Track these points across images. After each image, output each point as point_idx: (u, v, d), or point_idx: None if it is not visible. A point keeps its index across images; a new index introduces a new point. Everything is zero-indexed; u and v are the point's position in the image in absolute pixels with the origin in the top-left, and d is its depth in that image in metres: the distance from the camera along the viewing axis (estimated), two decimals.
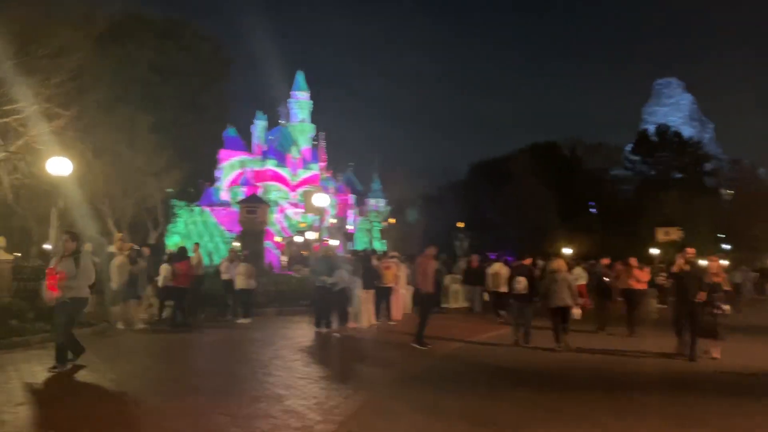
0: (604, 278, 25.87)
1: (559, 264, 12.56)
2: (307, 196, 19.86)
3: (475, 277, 19.84)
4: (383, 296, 16.31)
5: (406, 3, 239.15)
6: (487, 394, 8.24)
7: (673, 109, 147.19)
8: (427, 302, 12.39)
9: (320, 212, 18.59)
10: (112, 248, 15.18)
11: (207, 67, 26.83)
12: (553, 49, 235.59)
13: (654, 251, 46.40)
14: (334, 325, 14.34)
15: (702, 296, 10.75)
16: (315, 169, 66.49)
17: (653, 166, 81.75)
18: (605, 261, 16.66)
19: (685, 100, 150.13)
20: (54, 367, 8.72)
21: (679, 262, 11.02)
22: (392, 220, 57.30)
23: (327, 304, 14.36)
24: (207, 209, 63.56)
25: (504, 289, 17.29)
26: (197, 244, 17.22)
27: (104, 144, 17.71)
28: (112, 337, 12.77)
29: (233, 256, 16.86)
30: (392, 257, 18.29)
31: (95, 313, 13.36)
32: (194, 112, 26.06)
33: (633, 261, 15.90)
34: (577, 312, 12.28)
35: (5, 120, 12.95)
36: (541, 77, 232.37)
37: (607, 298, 15.70)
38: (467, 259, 21.42)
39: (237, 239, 44.07)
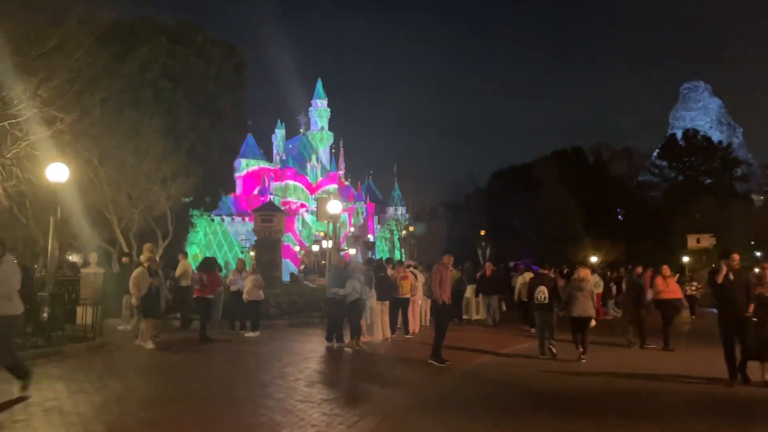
0: (621, 285, 24.76)
1: (584, 273, 12.31)
2: (320, 203, 19.02)
3: (489, 287, 18.63)
4: (399, 308, 15.37)
5: (427, 9, 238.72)
6: (514, 420, 7.25)
7: (701, 114, 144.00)
8: (443, 314, 11.44)
9: (334, 219, 17.67)
10: (124, 259, 14.53)
11: (221, 73, 26.19)
12: (576, 53, 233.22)
13: (685, 259, 44.76)
14: (346, 339, 13.43)
15: (751, 309, 9.62)
16: (334, 177, 66.13)
17: (681, 172, 79.65)
18: (639, 269, 15.47)
19: (713, 104, 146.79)
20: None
21: (724, 271, 9.90)
22: (412, 228, 56.26)
23: (339, 317, 13.47)
24: (226, 219, 63.45)
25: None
26: (184, 253, 16.53)
27: (109, 149, 17.09)
28: (107, 354, 11.99)
29: (241, 267, 16.06)
30: (409, 266, 17.36)
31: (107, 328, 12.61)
32: (209, 119, 25.41)
33: (666, 269, 14.76)
34: (593, 323, 12.07)
35: (1, 124, 12.31)
36: (564, 83, 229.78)
37: (644, 309, 14.53)
38: (482, 268, 20.04)
39: (252, 248, 43.54)
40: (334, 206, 18.09)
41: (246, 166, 65.65)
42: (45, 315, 12.39)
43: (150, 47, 24.28)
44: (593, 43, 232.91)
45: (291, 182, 62.06)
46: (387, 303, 14.51)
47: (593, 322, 12.08)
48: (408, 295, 15.31)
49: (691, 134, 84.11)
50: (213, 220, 61.67)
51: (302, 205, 63.39)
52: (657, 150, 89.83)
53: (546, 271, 13.23)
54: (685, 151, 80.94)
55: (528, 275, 17.91)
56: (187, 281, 16.02)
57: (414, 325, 16.14)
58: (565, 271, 25.12)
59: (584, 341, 11.86)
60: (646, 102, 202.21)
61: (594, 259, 45.05)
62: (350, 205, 66.28)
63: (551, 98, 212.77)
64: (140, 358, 11.68)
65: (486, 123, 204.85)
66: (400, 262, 17.16)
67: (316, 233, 62.20)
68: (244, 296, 14.96)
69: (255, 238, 29.24)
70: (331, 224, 19.64)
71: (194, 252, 59.75)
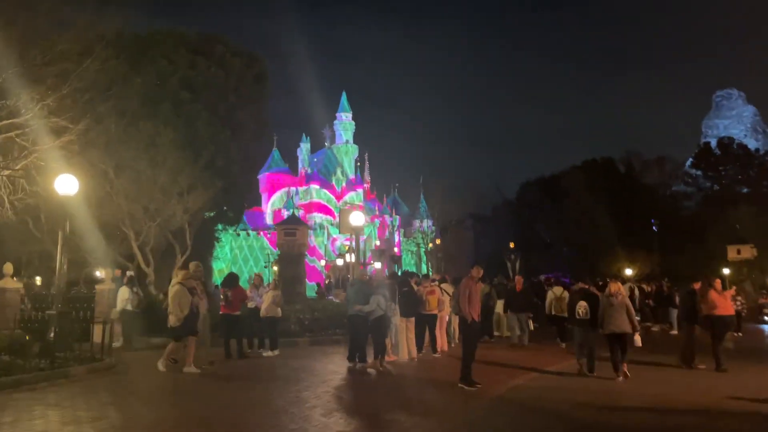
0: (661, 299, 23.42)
1: (615, 287, 11.70)
2: (343, 215, 18.29)
3: (518, 303, 16.99)
4: (426, 325, 14.45)
5: (452, 20, 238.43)
6: None
7: (735, 121, 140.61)
8: (472, 333, 10.51)
9: (357, 231, 16.88)
10: (117, 272, 13.86)
11: (241, 83, 25.75)
12: (604, 61, 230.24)
13: (726, 271, 42.89)
14: (370, 359, 12.54)
15: None
16: (359, 191, 65.53)
17: (717, 181, 77.36)
18: (697, 285, 14.13)
19: (748, 111, 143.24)
20: None
21: None
22: (438, 241, 55.25)
23: (362, 335, 12.61)
24: (252, 233, 63.21)
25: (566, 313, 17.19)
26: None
27: (125, 161, 16.60)
28: (114, 376, 11.30)
29: (258, 282, 15.30)
30: (434, 280, 16.47)
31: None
32: (229, 130, 24.93)
33: (717, 283, 13.55)
34: (638, 339, 11.58)
35: (6, 135, 11.82)
36: (592, 92, 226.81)
37: (697, 325, 13.34)
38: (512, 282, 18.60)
39: (275, 263, 43.01)
40: (357, 218, 17.28)
41: (271, 180, 65.47)
42: (51, 335, 11.82)
43: (170, 58, 23.94)
44: (621, 51, 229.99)
45: (314, 187, 61.56)
46: (412, 320, 13.59)
47: (638, 340, 11.58)
48: (435, 311, 14.39)
49: (726, 142, 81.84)
50: (238, 234, 61.52)
51: (328, 211, 62.67)
52: (690, 159, 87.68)
53: (586, 286, 12.60)
54: (720, 159, 78.72)
55: (558, 289, 17.60)
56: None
57: (442, 343, 15.23)
58: (599, 284, 24.02)
59: (622, 359, 11.26)
60: (677, 110, 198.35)
61: (629, 271, 43.52)
62: (377, 220, 65.56)
63: (579, 108, 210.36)
64: (148, 382, 10.98)
65: (513, 134, 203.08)
66: (426, 276, 16.24)
67: (346, 240, 61.59)
68: (262, 313, 14.20)
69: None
70: (354, 236, 18.82)
71: (220, 267, 59.56)
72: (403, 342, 13.41)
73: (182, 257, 18.86)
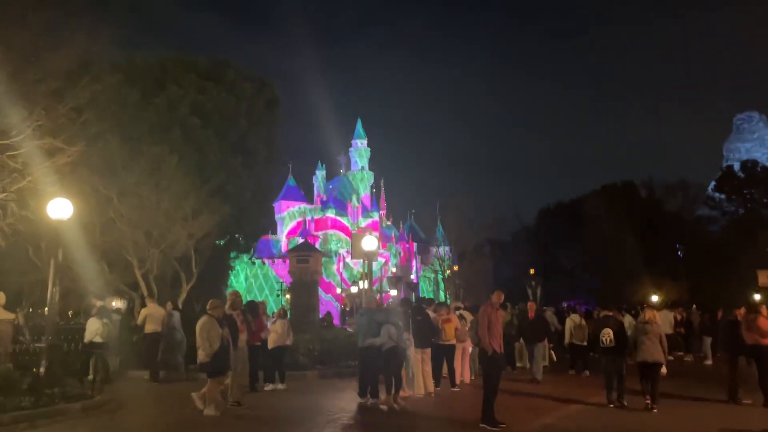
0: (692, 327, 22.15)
1: (650, 314, 11.41)
2: (355, 239, 17.44)
3: (533, 332, 15.18)
4: (444, 356, 13.45)
5: (467, 46, 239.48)
6: None
7: (757, 145, 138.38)
8: (493, 367, 9.51)
9: (369, 257, 16.02)
10: (96, 302, 13.01)
11: (252, 109, 25.28)
12: (620, 86, 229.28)
13: (757, 297, 41.19)
14: (382, 395, 11.54)
15: None
16: (375, 217, 64.78)
17: (742, 205, 75.64)
18: (741, 311, 13.05)
19: None
20: None
21: None
22: (456, 268, 54.07)
23: (373, 369, 11.64)
24: (267, 262, 62.55)
25: (585, 342, 16.55)
26: (152, 294, 15.01)
27: (128, 186, 16.00)
28: (103, 415, 10.40)
29: (263, 311, 14.43)
30: (457, 308, 15.51)
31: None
32: (240, 156, 24.38)
33: (765, 311, 12.39)
34: (663, 369, 11.13)
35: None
36: (610, 116, 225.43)
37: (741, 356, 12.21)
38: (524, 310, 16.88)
39: (288, 291, 42.15)
40: (370, 243, 16.41)
41: (287, 208, 65.05)
42: (42, 369, 11.03)
43: (179, 84, 23.57)
44: (638, 75, 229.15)
45: (330, 232, 60.99)
46: (428, 351, 12.58)
47: (664, 370, 11.11)
48: (452, 341, 13.40)
49: (750, 165, 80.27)
50: (253, 262, 60.89)
51: (340, 260, 62.08)
52: (713, 183, 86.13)
53: (611, 313, 12.37)
54: (744, 183, 77.13)
55: (576, 317, 17.43)
56: (154, 326, 14.38)
57: (464, 374, 14.21)
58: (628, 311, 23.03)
59: (654, 390, 10.83)
60: (697, 134, 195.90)
61: (655, 298, 42.02)
62: (393, 246, 64.68)
63: (596, 132, 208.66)
64: (137, 421, 10.09)
65: (530, 159, 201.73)
66: (442, 303, 15.25)
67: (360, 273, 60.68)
68: (271, 344, 13.29)
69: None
70: (367, 262, 17.90)
71: None
72: (418, 375, 12.40)
73: (188, 285, 18.10)
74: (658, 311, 13.00)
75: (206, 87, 24.01)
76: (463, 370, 14.47)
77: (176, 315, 15.43)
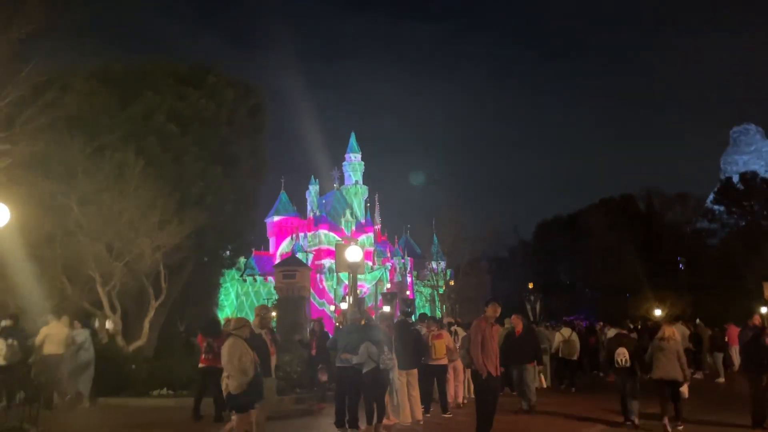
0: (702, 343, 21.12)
1: (669, 331, 10.98)
2: (339, 250, 16.01)
3: (519, 352, 12.46)
4: (434, 377, 12.06)
5: (466, 62, 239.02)
6: None
7: (754, 157, 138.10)
8: (487, 391, 8.15)
9: (353, 269, 14.68)
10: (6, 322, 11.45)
11: (234, 115, 23.90)
12: (617, 100, 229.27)
13: (763, 309, 39.86)
14: (363, 425, 10.13)
15: None
16: (369, 234, 63.42)
17: (742, 217, 74.73)
18: (757, 319, 11.89)
19: (767, 147, 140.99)
20: None
21: None
22: (452, 283, 52.73)
23: (352, 394, 10.25)
24: (258, 279, 61.02)
25: (575, 357, 16.88)
26: (57, 312, 13.31)
27: (88, 195, 14.64)
28: None
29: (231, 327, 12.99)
30: (450, 324, 14.16)
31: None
32: (221, 166, 22.99)
33: None
34: (685, 389, 10.89)
35: None
36: (606, 131, 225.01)
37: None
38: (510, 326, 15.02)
39: (274, 307, 40.74)
40: (354, 253, 15.07)
41: (279, 223, 63.73)
42: None
43: (156, 89, 22.28)
44: (634, 89, 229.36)
45: (323, 231, 59.49)
46: (414, 372, 11.16)
47: (685, 390, 10.84)
48: (443, 361, 12.01)
49: (749, 177, 79.53)
50: (245, 280, 59.40)
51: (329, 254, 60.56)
52: (712, 195, 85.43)
53: (624, 331, 12.29)
54: (744, 194, 76.34)
55: (567, 331, 17.34)
56: (54, 347, 12.58)
57: (457, 396, 12.82)
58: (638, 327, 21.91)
59: (677, 408, 10.62)
60: (694, 147, 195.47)
61: (658, 312, 40.81)
62: (388, 263, 63.27)
63: (592, 146, 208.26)
64: None
65: (528, 173, 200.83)
66: (431, 317, 13.86)
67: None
68: None
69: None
70: (351, 274, 16.46)
71: (226, 314, 57.26)
72: (404, 401, 10.97)
73: (157, 302, 16.67)
74: (669, 324, 11.84)
75: (185, 93, 22.66)
76: (457, 391, 13.08)
77: (83, 334, 13.58)
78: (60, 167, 14.58)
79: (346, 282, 56.42)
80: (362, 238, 63.04)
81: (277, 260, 62.81)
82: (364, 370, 10.11)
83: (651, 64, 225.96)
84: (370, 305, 53.71)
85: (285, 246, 63.35)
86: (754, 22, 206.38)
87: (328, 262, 61.49)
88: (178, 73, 23.35)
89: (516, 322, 13.30)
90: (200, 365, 11.71)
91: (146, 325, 16.31)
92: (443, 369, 12.16)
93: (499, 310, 8.55)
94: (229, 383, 8.15)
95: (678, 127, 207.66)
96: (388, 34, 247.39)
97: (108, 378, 13.70)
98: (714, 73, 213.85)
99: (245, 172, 24.97)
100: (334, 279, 60.87)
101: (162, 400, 13.37)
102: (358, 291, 50.32)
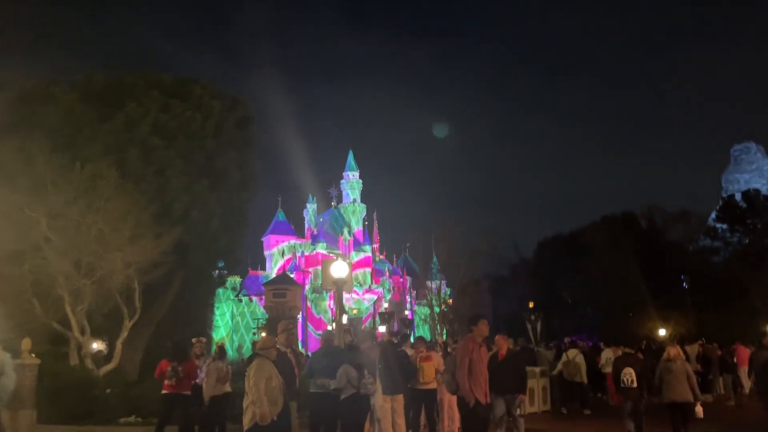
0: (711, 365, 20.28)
1: (674, 352, 10.81)
2: (324, 266, 15.10)
3: (503, 378, 9.85)
4: (421, 404, 11.06)
5: (464, 79, 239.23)
6: None
7: (756, 176, 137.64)
8: (475, 421, 7.17)
9: (339, 285, 13.74)
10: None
11: (221, 128, 23.13)
12: (617, 119, 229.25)
13: None
14: None
15: None
16: (368, 251, 62.45)
17: (745, 235, 73.89)
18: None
19: None
20: None
21: None
22: (450, 301, 51.68)
23: (329, 424, 9.27)
24: (255, 299, 59.88)
25: (581, 379, 16.35)
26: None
27: (57, 208, 13.75)
28: None
29: (200, 352, 11.97)
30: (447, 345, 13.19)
31: None
32: (207, 180, 22.18)
33: None
34: (699, 410, 10.53)
35: None
36: (608, 149, 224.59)
37: None
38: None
39: (263, 328, 39.53)
40: (339, 269, 14.14)
41: (276, 243, 62.76)
42: None
43: (140, 101, 21.57)
44: (634, 108, 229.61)
45: (321, 248, 58.48)
46: (400, 398, 10.16)
47: (699, 411, 10.50)
48: (432, 385, 11.02)
49: (752, 194, 78.91)
50: (240, 300, 58.28)
51: (332, 296, 59.69)
52: (714, 213, 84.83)
53: (631, 351, 12.20)
54: (747, 212, 75.65)
55: (573, 352, 17.19)
56: None
57: (450, 426, 11.79)
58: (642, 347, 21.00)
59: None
60: (694, 165, 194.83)
61: (662, 331, 39.75)
62: (387, 281, 62.22)
63: (593, 165, 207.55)
64: None
65: (528, 191, 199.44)
66: (420, 337, 12.88)
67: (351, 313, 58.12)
68: (205, 393, 10.88)
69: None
70: (336, 291, 15.51)
71: (221, 335, 56.10)
72: (388, 429, 9.96)
73: (130, 322, 15.69)
74: (674, 345, 11.50)
75: (170, 104, 21.94)
76: (452, 419, 12.00)
77: (4, 357, 12.40)
78: (27, 179, 13.71)
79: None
80: (360, 257, 62.19)
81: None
82: (342, 397, 9.16)
83: (652, 82, 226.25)
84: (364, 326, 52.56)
85: (281, 266, 62.17)
86: (756, 41, 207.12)
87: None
88: (163, 84, 22.65)
89: (500, 344, 11.07)
90: (163, 391, 10.72)
91: (119, 346, 15.32)
92: (432, 394, 11.18)
93: (487, 329, 7.59)
94: (254, 411, 7.13)
95: (678, 145, 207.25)
96: (387, 51, 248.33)
97: (71, 404, 12.70)
98: (714, 91, 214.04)
99: (233, 187, 24.14)
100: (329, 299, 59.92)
101: (129, 429, 12.36)
102: (354, 311, 49.16)
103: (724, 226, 77.03)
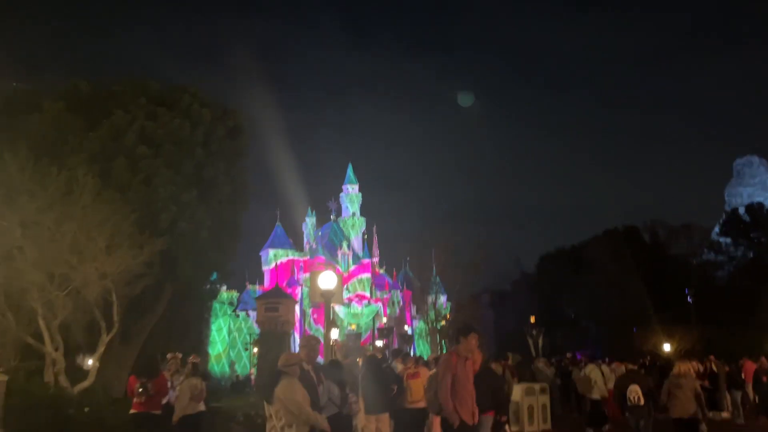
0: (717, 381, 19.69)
1: (684, 368, 10.70)
2: (312, 277, 14.42)
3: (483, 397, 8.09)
4: (411, 424, 10.29)
5: (465, 91, 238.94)
6: None
7: (759, 189, 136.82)
8: None
9: (327, 297, 13.01)
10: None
11: (211, 137, 22.52)
12: (618, 134, 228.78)
13: None
14: None
15: None
16: (367, 266, 61.58)
17: (749, 249, 73.06)
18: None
19: None
20: None
21: None
22: (448, 316, 50.83)
23: None
24: (252, 314, 58.97)
25: (597, 395, 15.32)
26: None
27: (30, 215, 13.09)
28: None
29: (174, 368, 11.20)
30: (433, 360, 12.45)
31: None
32: (196, 189, 21.55)
33: None
34: (704, 428, 11.18)
35: None
36: (609, 163, 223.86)
37: None
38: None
39: (255, 343, 38.70)
40: (327, 279, 13.42)
41: (274, 257, 61.88)
42: None
43: (127, 109, 21.02)
44: (635, 123, 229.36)
45: (318, 263, 57.62)
46: (385, 418, 9.41)
47: (704, 429, 11.13)
48: (421, 404, 10.25)
49: (756, 208, 78.25)
50: (238, 315, 57.33)
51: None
52: (717, 227, 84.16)
53: (635, 367, 12.52)
54: (750, 226, 74.88)
55: (591, 367, 16.27)
56: None
57: None
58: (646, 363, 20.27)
59: None
60: (696, 178, 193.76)
61: (667, 347, 38.89)
62: (385, 295, 61.28)
63: (594, 179, 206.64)
64: None
65: (529, 205, 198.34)
66: (408, 353, 12.13)
67: (349, 328, 57.23)
68: (178, 412, 10.13)
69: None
70: (325, 304, 14.74)
71: (217, 351, 55.12)
72: None
73: (108, 337, 14.94)
74: (687, 361, 11.29)
75: (158, 113, 21.37)
76: None
77: None
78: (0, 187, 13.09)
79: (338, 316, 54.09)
80: (358, 271, 61.38)
81: None
82: (326, 415, 8.40)
83: (653, 95, 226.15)
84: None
85: (280, 280, 61.34)
86: (759, 54, 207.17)
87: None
88: (151, 92, 22.10)
89: (476, 357, 9.98)
90: (131, 411, 9.97)
91: (95, 363, 14.56)
92: (422, 413, 10.40)
93: (475, 341, 6.84)
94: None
95: (680, 159, 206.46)
96: (387, 66, 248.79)
97: (41, 424, 11.95)
98: (716, 105, 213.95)
99: (224, 198, 23.48)
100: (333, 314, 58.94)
101: None
102: (352, 326, 48.29)
103: (728, 240, 76.31)
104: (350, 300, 59.18)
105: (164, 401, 10.51)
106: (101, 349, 14.76)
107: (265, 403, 7.57)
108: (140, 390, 9.72)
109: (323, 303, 13.94)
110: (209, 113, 22.49)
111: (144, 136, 20.98)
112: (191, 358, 10.87)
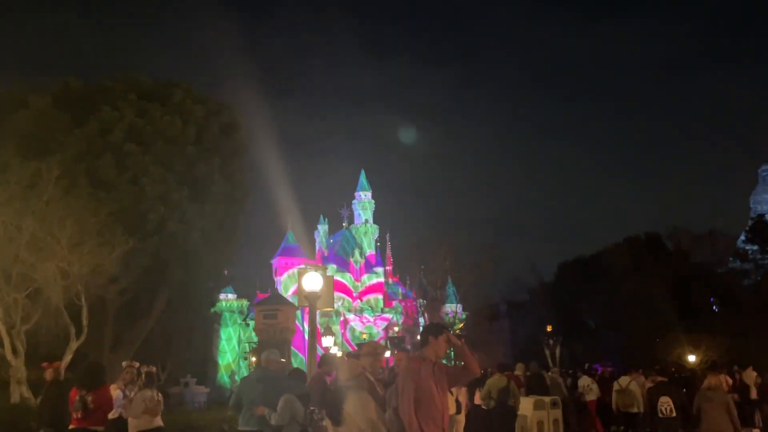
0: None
1: (717, 380, 10.42)
2: (299, 277, 13.15)
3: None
4: None
5: (481, 101, 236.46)
6: None
7: None
8: None
9: (312, 301, 11.78)
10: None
11: (203, 134, 21.52)
12: (639, 140, 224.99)
13: None
14: None
15: None
16: (380, 275, 60.36)
17: None
18: None
19: None
20: None
21: None
22: (461, 325, 49.39)
23: None
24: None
25: (638, 409, 14.97)
26: None
27: None
28: None
29: (129, 378, 9.96)
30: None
31: None
32: (188, 189, 20.55)
33: None
34: None
35: None
36: (628, 170, 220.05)
37: None
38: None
39: (253, 352, 37.52)
40: (312, 281, 12.17)
41: (285, 265, 60.95)
42: None
43: (115, 105, 20.10)
44: (656, 130, 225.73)
45: (332, 268, 56.68)
46: None
47: None
48: None
49: None
50: (248, 324, 56.38)
51: (345, 321, 57.65)
52: (743, 234, 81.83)
53: (666, 378, 11.71)
54: None
55: (625, 379, 15.62)
56: None
57: None
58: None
59: None
60: (719, 185, 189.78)
61: (692, 357, 37.10)
62: (399, 304, 59.98)
63: (613, 186, 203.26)
64: None
65: (548, 212, 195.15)
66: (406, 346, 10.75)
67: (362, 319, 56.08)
68: (129, 428, 8.89)
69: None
70: (310, 307, 13.48)
71: (227, 360, 54.14)
72: None
73: (76, 343, 13.80)
74: (716, 374, 11.08)
75: (148, 109, 20.43)
76: None
77: None
78: None
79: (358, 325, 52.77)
80: (371, 277, 60.24)
81: None
82: None
83: (676, 102, 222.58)
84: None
85: (288, 285, 60.19)
86: None
87: (336, 305, 58.47)
88: (141, 88, 21.19)
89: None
90: (70, 427, 8.72)
91: (62, 371, 13.41)
92: None
93: (445, 345, 5.46)
94: None
95: (704, 165, 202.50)
96: (403, 76, 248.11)
97: None
98: (740, 111, 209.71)
99: (218, 198, 22.43)
100: (347, 325, 57.98)
101: None
102: (363, 336, 46.95)
103: (755, 248, 73.98)
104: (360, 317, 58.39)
105: (115, 415, 9.27)
106: (68, 357, 13.60)
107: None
108: (78, 403, 8.46)
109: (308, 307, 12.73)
110: (202, 109, 21.52)
111: (133, 132, 20.04)
112: (146, 368, 9.61)
